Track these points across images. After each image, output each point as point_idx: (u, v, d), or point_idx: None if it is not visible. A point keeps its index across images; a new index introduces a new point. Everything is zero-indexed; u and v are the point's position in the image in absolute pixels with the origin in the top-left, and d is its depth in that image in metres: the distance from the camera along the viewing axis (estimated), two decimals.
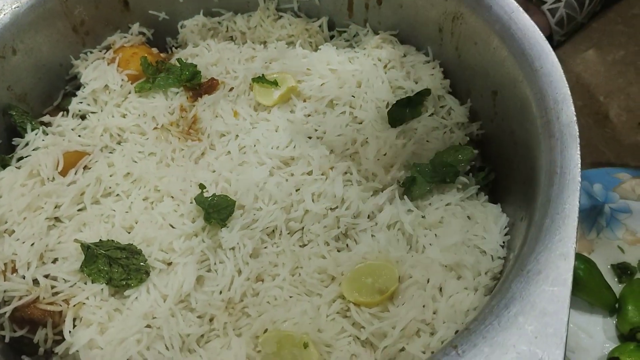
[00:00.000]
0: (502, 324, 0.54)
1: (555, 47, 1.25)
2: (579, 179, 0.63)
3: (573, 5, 1.24)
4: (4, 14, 0.84)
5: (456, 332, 0.64)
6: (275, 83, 0.87)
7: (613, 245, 1.00)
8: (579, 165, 0.63)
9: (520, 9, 0.78)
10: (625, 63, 1.25)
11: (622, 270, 0.97)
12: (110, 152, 0.85)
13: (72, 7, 0.90)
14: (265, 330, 0.68)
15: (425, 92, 0.87)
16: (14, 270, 0.70)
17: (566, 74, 1.26)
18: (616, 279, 0.96)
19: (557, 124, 0.68)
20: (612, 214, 1.01)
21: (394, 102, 0.86)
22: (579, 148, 0.65)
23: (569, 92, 0.69)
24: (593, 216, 1.02)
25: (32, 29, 0.87)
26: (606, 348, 0.89)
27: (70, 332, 0.66)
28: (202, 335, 0.69)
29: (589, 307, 0.93)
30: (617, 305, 0.92)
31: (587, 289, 0.92)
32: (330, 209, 0.77)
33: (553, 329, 0.53)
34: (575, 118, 0.67)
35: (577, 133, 0.66)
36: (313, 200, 0.78)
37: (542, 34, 0.76)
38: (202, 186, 0.76)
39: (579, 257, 0.92)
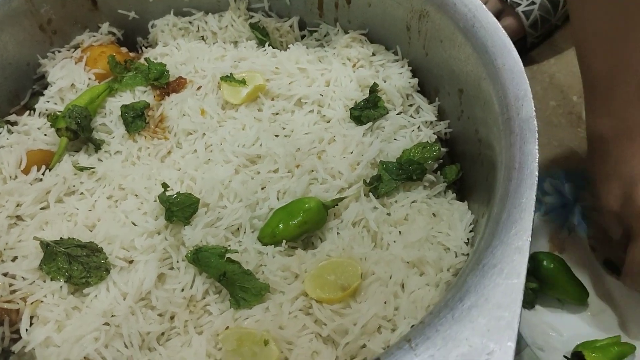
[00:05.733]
0: (455, 317, 0.54)
1: (529, 48, 1.26)
2: (537, 173, 0.63)
3: (547, 7, 1.24)
4: None
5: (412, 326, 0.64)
6: (243, 82, 0.87)
7: (584, 244, 1.00)
8: (537, 159, 0.64)
9: (484, 6, 0.79)
10: None
11: None
12: (76, 151, 0.85)
13: (38, 5, 0.90)
14: (227, 328, 0.68)
15: (374, 87, 0.88)
16: None
17: (540, 75, 1.27)
18: None
19: (517, 119, 0.68)
20: (583, 212, 1.02)
21: (362, 100, 0.87)
22: (537, 143, 0.65)
23: (529, 87, 0.70)
24: (564, 215, 1.02)
25: None
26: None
27: (26, 330, 0.66)
28: (163, 333, 0.68)
29: (559, 305, 0.93)
30: None
31: (558, 286, 0.92)
32: None
33: (506, 322, 0.53)
34: (534, 113, 0.67)
35: (536, 128, 0.66)
36: (278, 198, 0.78)
37: (504, 31, 0.76)
38: (164, 185, 0.75)
39: (547, 255, 0.92)
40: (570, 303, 0.93)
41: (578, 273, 0.96)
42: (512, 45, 0.74)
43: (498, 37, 0.75)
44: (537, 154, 0.64)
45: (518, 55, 0.73)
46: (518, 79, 0.71)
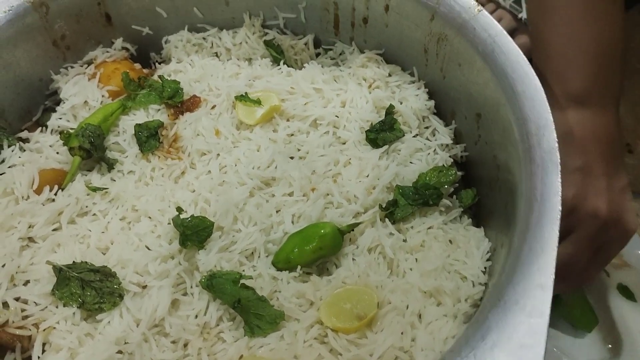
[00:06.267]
0: (477, 356, 0.53)
1: None
2: (559, 207, 0.62)
3: None
4: None
5: None
6: (258, 102, 0.86)
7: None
8: (560, 193, 0.63)
9: (504, 32, 0.77)
10: None
11: None
12: (88, 170, 0.84)
13: (52, 21, 0.89)
14: (241, 357, 0.67)
15: (390, 109, 0.87)
16: None
17: None
18: None
19: (538, 150, 0.67)
20: None
21: (378, 122, 0.86)
22: (559, 175, 0.64)
23: (551, 117, 0.68)
24: None
25: (10, 43, 0.85)
26: None
27: (39, 357, 0.65)
28: None
29: (572, 330, 0.92)
30: None
31: (568, 310, 0.92)
32: None
33: None
34: (557, 145, 0.66)
35: (559, 160, 0.65)
36: (293, 222, 0.77)
37: (525, 58, 0.75)
38: (179, 209, 0.74)
39: None
40: (580, 328, 0.92)
41: (592, 299, 0.95)
42: (534, 73, 0.73)
43: (519, 64, 0.74)
44: (560, 188, 0.63)
45: (540, 84, 0.72)
46: (539, 108, 0.70)
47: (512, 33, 1.20)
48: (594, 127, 0.81)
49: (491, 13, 0.80)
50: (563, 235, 0.78)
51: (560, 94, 0.82)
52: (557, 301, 0.90)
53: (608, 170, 0.79)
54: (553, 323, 0.92)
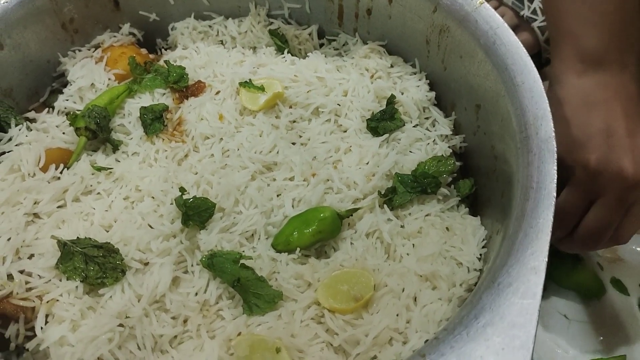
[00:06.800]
0: (470, 334, 0.55)
1: (543, 64, 1.26)
2: (555, 194, 0.63)
3: None
4: None
5: (426, 341, 0.64)
6: (261, 88, 0.88)
7: (593, 262, 1.01)
8: (555, 180, 0.64)
9: (505, 24, 0.79)
10: None
11: None
12: (94, 151, 0.85)
13: (61, 4, 0.91)
14: (239, 334, 0.68)
15: (392, 98, 0.88)
16: None
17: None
18: None
19: (535, 139, 0.68)
20: None
21: (379, 111, 0.87)
22: (555, 163, 0.65)
23: (548, 107, 0.70)
24: None
25: (20, 24, 0.87)
26: None
27: (41, 328, 0.66)
28: (175, 337, 0.69)
29: (566, 322, 0.94)
30: None
31: (575, 277, 0.95)
32: None
33: (520, 342, 0.54)
34: (553, 134, 0.68)
35: (555, 148, 0.67)
36: (293, 206, 0.78)
37: (525, 50, 0.76)
38: (182, 189, 0.75)
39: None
40: (587, 294, 0.95)
41: None
42: (533, 65, 0.74)
43: (519, 56, 0.76)
44: (556, 175, 0.64)
45: (538, 75, 0.73)
46: (537, 98, 0.71)
47: (514, 30, 1.21)
48: (613, 86, 0.79)
49: None
50: (592, 200, 0.80)
51: (575, 57, 0.81)
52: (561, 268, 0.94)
53: (631, 129, 0.78)
54: (548, 316, 0.94)
